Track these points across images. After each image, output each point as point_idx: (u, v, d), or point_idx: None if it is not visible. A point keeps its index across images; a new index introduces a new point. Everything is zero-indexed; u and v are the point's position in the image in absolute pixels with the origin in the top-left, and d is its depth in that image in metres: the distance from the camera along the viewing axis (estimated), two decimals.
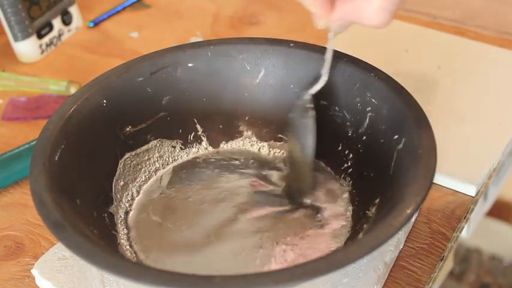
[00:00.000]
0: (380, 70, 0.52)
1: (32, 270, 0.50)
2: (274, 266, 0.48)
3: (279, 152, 0.58)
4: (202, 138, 0.58)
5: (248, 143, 0.58)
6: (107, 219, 0.50)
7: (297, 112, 0.53)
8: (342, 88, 0.53)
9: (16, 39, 0.74)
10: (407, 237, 0.53)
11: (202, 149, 0.58)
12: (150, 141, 0.56)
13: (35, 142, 0.50)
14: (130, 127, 0.54)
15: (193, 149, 0.58)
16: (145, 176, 0.55)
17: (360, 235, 0.46)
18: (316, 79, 0.52)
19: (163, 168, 0.56)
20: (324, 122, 0.53)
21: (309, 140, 0.52)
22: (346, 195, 0.53)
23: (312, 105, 0.52)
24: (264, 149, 0.58)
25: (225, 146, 0.58)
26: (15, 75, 0.72)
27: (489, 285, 1.30)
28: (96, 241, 0.43)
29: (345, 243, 0.49)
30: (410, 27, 0.75)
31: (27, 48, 0.75)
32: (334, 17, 0.47)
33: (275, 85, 0.57)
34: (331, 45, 0.51)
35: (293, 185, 0.54)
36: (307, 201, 0.53)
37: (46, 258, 0.50)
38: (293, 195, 0.53)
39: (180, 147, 0.58)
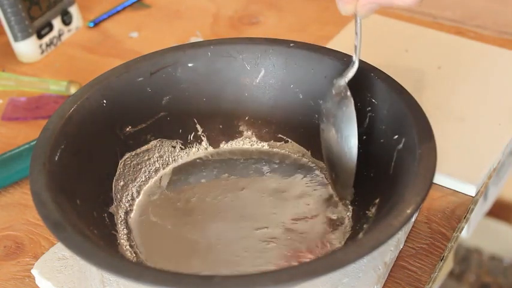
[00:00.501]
0: (380, 70, 0.52)
1: (32, 270, 0.49)
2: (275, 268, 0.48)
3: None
4: (202, 138, 0.58)
5: (248, 143, 0.58)
6: (107, 219, 0.50)
7: (332, 101, 0.51)
8: None
9: (16, 39, 0.74)
10: (407, 237, 0.53)
11: (202, 149, 0.58)
12: (150, 141, 0.56)
13: (35, 142, 0.50)
14: (130, 127, 0.54)
15: (193, 149, 0.58)
16: (145, 176, 0.55)
17: (360, 235, 0.46)
18: (348, 66, 0.51)
19: (164, 168, 0.56)
20: None
21: (353, 130, 0.50)
22: None
23: (349, 93, 0.50)
24: (264, 149, 0.58)
25: (225, 146, 0.58)
26: (15, 75, 0.72)
27: (489, 285, 1.30)
28: (96, 241, 0.43)
29: (345, 243, 0.49)
30: (410, 27, 0.75)
31: (27, 48, 0.75)
32: (362, 0, 0.46)
33: (275, 85, 0.57)
34: (359, 30, 0.49)
35: (334, 179, 0.53)
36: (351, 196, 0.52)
37: (46, 258, 0.50)
38: (335, 191, 0.52)
39: (180, 147, 0.57)
